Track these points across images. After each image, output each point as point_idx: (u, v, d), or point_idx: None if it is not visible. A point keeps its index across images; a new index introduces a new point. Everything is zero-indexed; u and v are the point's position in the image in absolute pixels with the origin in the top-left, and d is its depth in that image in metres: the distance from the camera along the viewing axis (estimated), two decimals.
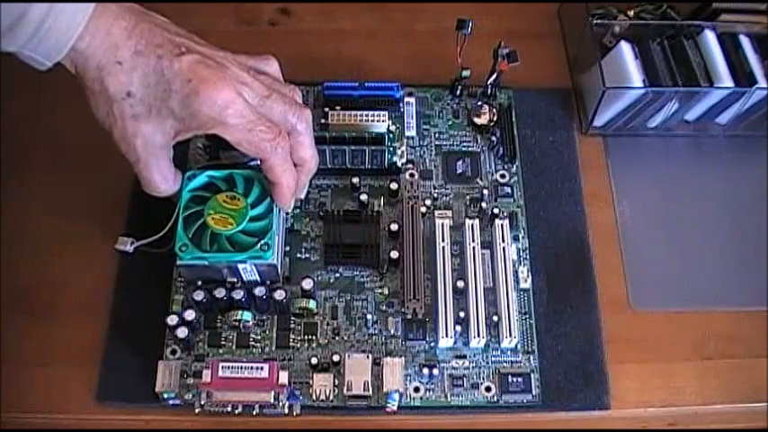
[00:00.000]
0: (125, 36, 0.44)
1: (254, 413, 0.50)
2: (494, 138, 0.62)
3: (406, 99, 0.63)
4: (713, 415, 0.56)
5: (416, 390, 0.53)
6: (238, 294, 0.52)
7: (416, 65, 0.66)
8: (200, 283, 0.54)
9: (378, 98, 0.61)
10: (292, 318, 0.54)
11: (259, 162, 0.51)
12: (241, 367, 0.49)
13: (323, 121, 0.59)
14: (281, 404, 0.49)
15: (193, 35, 0.48)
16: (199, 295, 0.52)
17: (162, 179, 0.50)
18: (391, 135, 0.59)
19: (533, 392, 0.53)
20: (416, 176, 0.59)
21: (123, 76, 0.45)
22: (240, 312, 0.53)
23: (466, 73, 0.61)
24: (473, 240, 0.56)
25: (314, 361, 0.52)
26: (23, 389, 0.52)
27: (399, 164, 0.59)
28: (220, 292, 0.52)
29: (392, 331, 0.54)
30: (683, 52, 0.62)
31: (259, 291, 0.52)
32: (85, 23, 0.43)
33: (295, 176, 0.52)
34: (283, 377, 0.49)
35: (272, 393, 0.49)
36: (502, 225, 0.56)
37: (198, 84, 0.45)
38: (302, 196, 0.56)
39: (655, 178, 0.63)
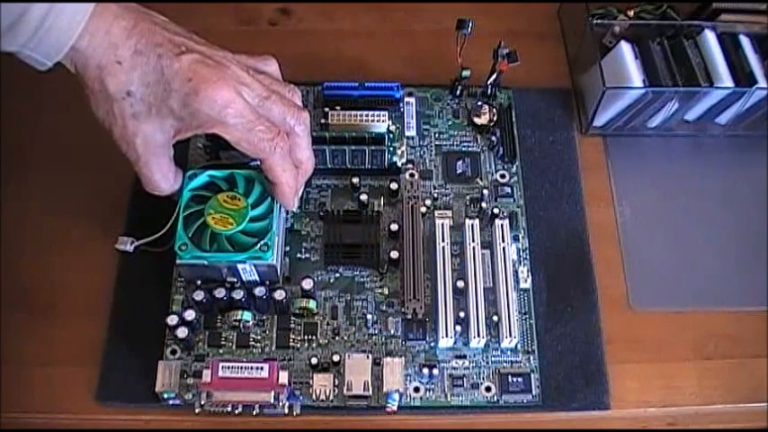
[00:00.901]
0: (125, 35, 0.44)
1: (254, 413, 0.50)
2: (494, 138, 0.62)
3: (406, 99, 0.63)
4: (713, 415, 0.56)
5: (416, 390, 0.53)
6: (238, 294, 0.52)
7: (416, 65, 0.66)
8: (200, 282, 0.54)
9: (378, 98, 0.61)
10: (292, 318, 0.54)
11: (259, 162, 0.51)
12: (241, 367, 0.49)
13: (323, 121, 0.59)
14: (281, 404, 0.49)
15: (193, 34, 0.48)
16: (199, 295, 0.52)
17: (162, 178, 0.50)
18: (391, 135, 0.59)
19: (533, 392, 0.53)
20: (416, 176, 0.59)
21: (123, 75, 0.45)
22: (240, 312, 0.53)
23: (466, 73, 0.61)
24: (473, 240, 0.56)
25: (314, 361, 0.52)
26: (23, 389, 0.52)
27: (399, 164, 0.59)
28: (220, 292, 0.52)
29: (392, 331, 0.54)
30: (683, 52, 0.62)
31: (259, 291, 0.52)
32: (85, 23, 0.43)
33: (295, 176, 0.52)
34: (283, 377, 0.49)
35: (272, 393, 0.49)
36: (502, 225, 0.56)
37: (198, 83, 0.45)
38: (298, 198, 0.56)
39: (655, 178, 0.63)
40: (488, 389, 0.53)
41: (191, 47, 0.47)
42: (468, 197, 0.60)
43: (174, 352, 0.53)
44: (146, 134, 0.47)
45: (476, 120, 0.63)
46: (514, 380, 0.53)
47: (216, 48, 0.49)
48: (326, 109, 0.59)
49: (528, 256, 0.58)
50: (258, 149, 0.49)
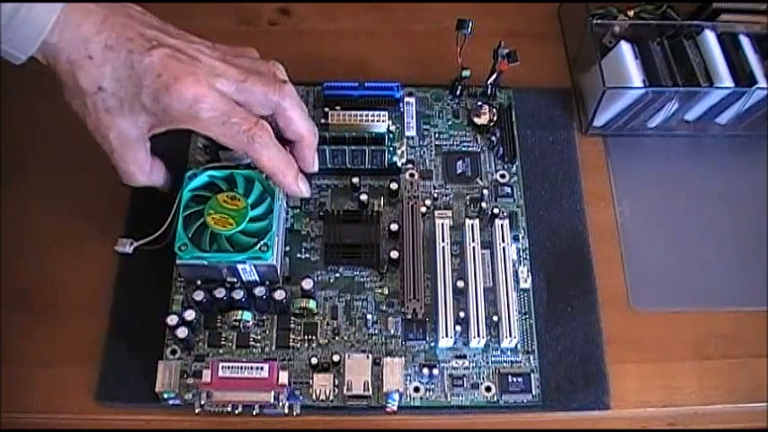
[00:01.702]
0: (95, 30, 0.44)
1: (254, 413, 0.50)
2: (494, 138, 0.62)
3: (406, 99, 0.63)
4: (713, 415, 0.56)
5: (416, 390, 0.53)
6: (238, 294, 0.52)
7: (416, 65, 0.66)
8: (200, 282, 0.54)
9: (378, 98, 0.61)
10: (292, 318, 0.54)
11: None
12: (241, 367, 0.49)
13: (323, 121, 0.59)
14: (281, 404, 0.49)
15: (169, 26, 0.48)
16: (199, 295, 0.52)
17: (138, 170, 0.50)
18: (391, 135, 0.59)
19: (533, 392, 0.53)
20: (416, 176, 0.59)
21: (94, 70, 0.45)
22: (240, 312, 0.53)
23: (466, 73, 0.61)
24: (473, 240, 0.56)
25: (314, 361, 0.52)
26: (23, 389, 0.52)
27: (399, 164, 0.59)
28: (220, 292, 0.52)
29: (392, 331, 0.54)
30: (683, 52, 0.62)
31: (259, 291, 0.52)
32: (57, 16, 0.43)
33: (287, 160, 0.51)
34: (283, 377, 0.49)
35: (272, 393, 0.49)
36: (502, 225, 0.56)
37: (168, 79, 0.45)
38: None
39: (655, 178, 0.63)
40: (488, 389, 0.53)
41: (162, 41, 0.46)
42: (468, 197, 0.60)
43: (174, 352, 0.53)
44: (119, 128, 0.47)
45: (476, 120, 0.63)
46: (514, 380, 0.53)
47: (190, 38, 0.48)
48: (326, 109, 0.59)
49: (528, 256, 0.58)
50: (236, 142, 0.48)
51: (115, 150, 0.48)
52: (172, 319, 0.51)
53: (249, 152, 0.49)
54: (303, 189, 0.53)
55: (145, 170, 0.50)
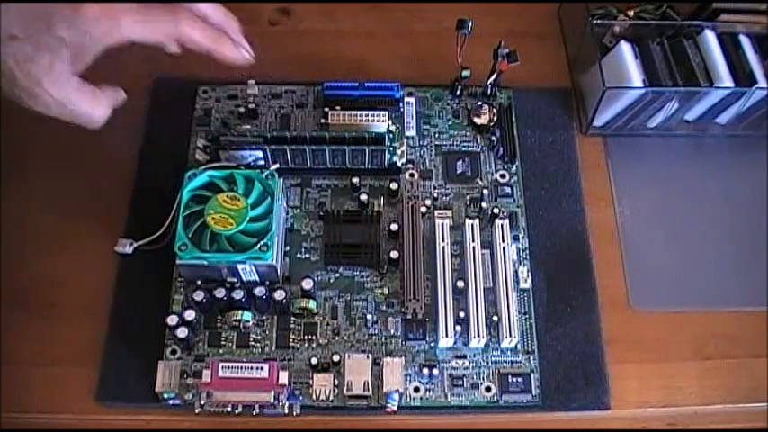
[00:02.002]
0: None
1: (254, 413, 0.50)
2: (494, 138, 0.62)
3: (406, 99, 0.63)
4: (713, 415, 0.56)
5: (416, 390, 0.53)
6: (238, 294, 0.52)
7: (416, 65, 0.66)
8: (200, 282, 0.54)
9: (378, 98, 0.61)
10: (292, 318, 0.54)
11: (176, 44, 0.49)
12: (241, 367, 0.49)
13: (323, 121, 0.59)
14: (281, 404, 0.49)
15: None
16: (199, 295, 0.52)
17: (95, 103, 0.48)
18: (391, 135, 0.59)
19: (533, 392, 0.53)
20: (416, 176, 0.59)
21: (1, 21, 0.43)
22: (240, 312, 0.53)
23: (466, 73, 0.61)
24: (473, 240, 0.56)
25: (314, 361, 0.52)
26: (23, 389, 0.52)
27: (399, 164, 0.59)
28: (220, 292, 0.52)
29: (392, 331, 0.54)
30: (683, 52, 0.62)
31: (259, 291, 0.52)
32: None
33: (218, 31, 0.50)
34: (283, 377, 0.49)
35: (272, 393, 0.49)
36: (502, 225, 0.56)
37: (74, 2, 0.44)
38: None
39: (655, 178, 0.63)
40: (488, 389, 0.53)
41: None
42: (468, 197, 0.60)
43: (174, 352, 0.53)
44: (45, 72, 0.45)
45: (476, 120, 0.63)
46: (514, 380, 0.53)
47: None
48: (326, 109, 0.59)
49: (528, 256, 0.58)
50: (165, 35, 0.48)
51: (59, 101, 0.46)
52: (172, 319, 0.51)
53: (181, 37, 0.48)
54: (245, 53, 0.53)
55: (99, 100, 0.48)
